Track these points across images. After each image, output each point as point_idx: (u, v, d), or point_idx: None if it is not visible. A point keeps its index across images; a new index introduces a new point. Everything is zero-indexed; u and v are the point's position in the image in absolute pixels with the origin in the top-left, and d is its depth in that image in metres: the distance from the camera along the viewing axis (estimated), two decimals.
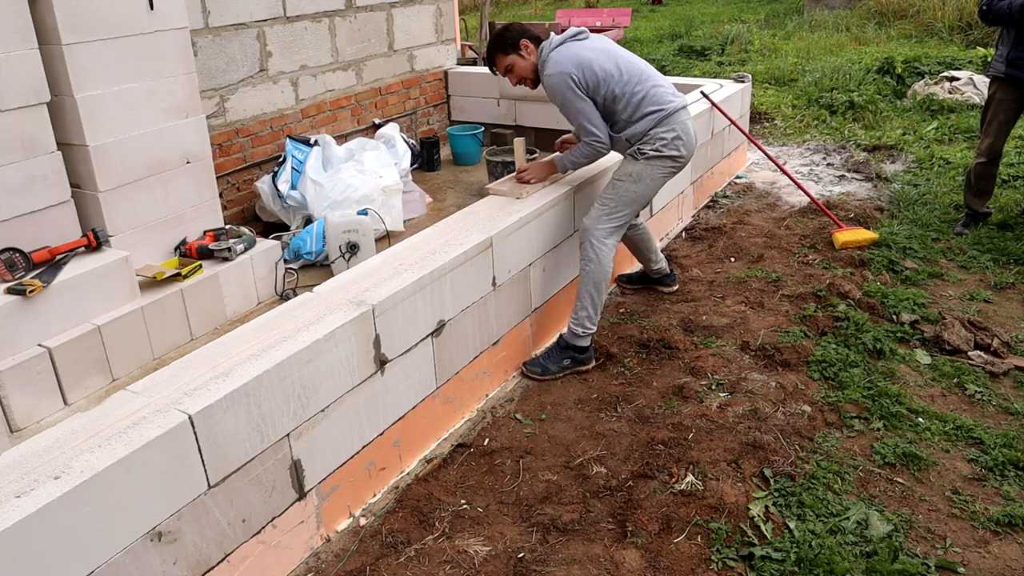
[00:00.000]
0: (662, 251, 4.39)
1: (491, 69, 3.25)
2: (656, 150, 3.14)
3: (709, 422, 2.84)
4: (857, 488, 2.51)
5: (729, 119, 5.10)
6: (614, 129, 3.18)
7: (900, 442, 2.71)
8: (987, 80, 4.40)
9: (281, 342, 2.17)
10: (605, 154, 3.20)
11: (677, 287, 3.92)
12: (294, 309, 2.38)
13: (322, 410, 2.26)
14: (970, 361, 3.19)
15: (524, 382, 3.20)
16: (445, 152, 6.44)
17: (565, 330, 3.23)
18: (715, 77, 7.48)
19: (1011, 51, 4.11)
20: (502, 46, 3.17)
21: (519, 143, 3.65)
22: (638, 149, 3.16)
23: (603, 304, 3.24)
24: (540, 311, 3.38)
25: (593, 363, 3.24)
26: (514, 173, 3.44)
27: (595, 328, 3.19)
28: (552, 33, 3.22)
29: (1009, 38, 4.12)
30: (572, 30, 3.17)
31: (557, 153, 3.56)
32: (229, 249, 3.79)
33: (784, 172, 4.97)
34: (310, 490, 2.28)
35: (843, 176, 5.67)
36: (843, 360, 3.19)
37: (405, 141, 5.45)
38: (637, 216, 3.52)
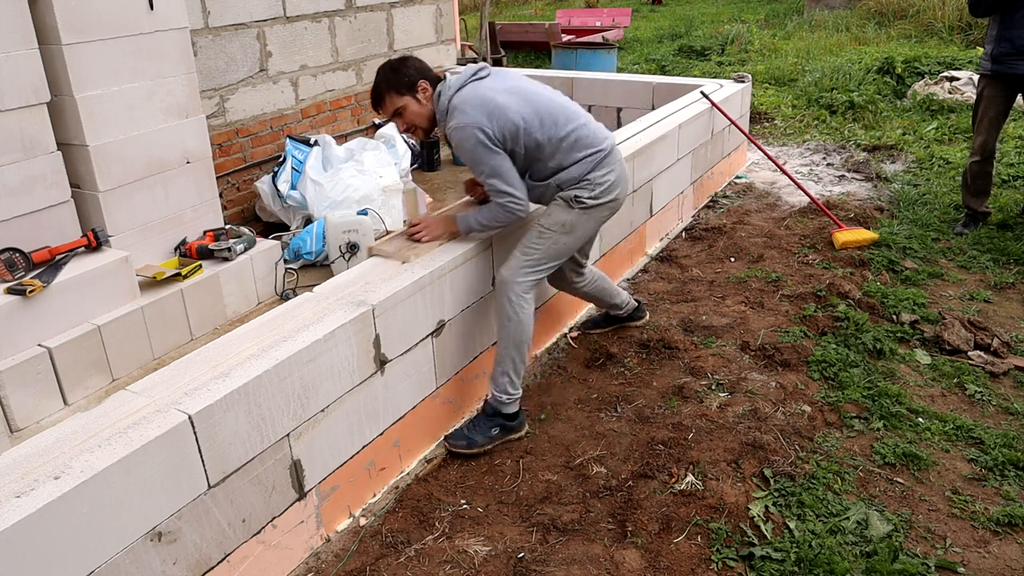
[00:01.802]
0: (662, 251, 4.40)
1: (376, 108, 2.73)
2: (595, 197, 2.76)
3: (709, 422, 2.84)
4: (857, 488, 2.51)
5: (729, 119, 5.10)
6: (537, 176, 2.77)
7: (900, 442, 2.71)
8: (979, 81, 4.42)
9: (281, 342, 2.17)
10: (523, 218, 2.73)
11: (648, 315, 3.60)
12: (294, 309, 2.38)
13: (322, 410, 2.26)
14: (970, 361, 3.19)
15: (525, 382, 3.19)
16: (445, 152, 6.43)
17: (489, 395, 2.82)
18: (715, 77, 7.48)
19: (995, 48, 4.14)
20: (396, 84, 2.66)
21: (409, 192, 3.28)
22: (575, 197, 2.74)
23: (526, 364, 2.82)
24: (540, 310, 3.38)
25: (526, 429, 2.86)
26: (404, 228, 2.92)
27: (520, 392, 2.79)
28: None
29: (994, 35, 4.14)
30: (471, 68, 2.72)
31: (470, 196, 3.08)
32: (229, 249, 3.79)
33: (784, 172, 4.97)
34: (310, 490, 2.28)
35: (843, 176, 5.67)
36: (843, 360, 3.19)
37: (405, 141, 5.45)
38: (582, 266, 3.19)
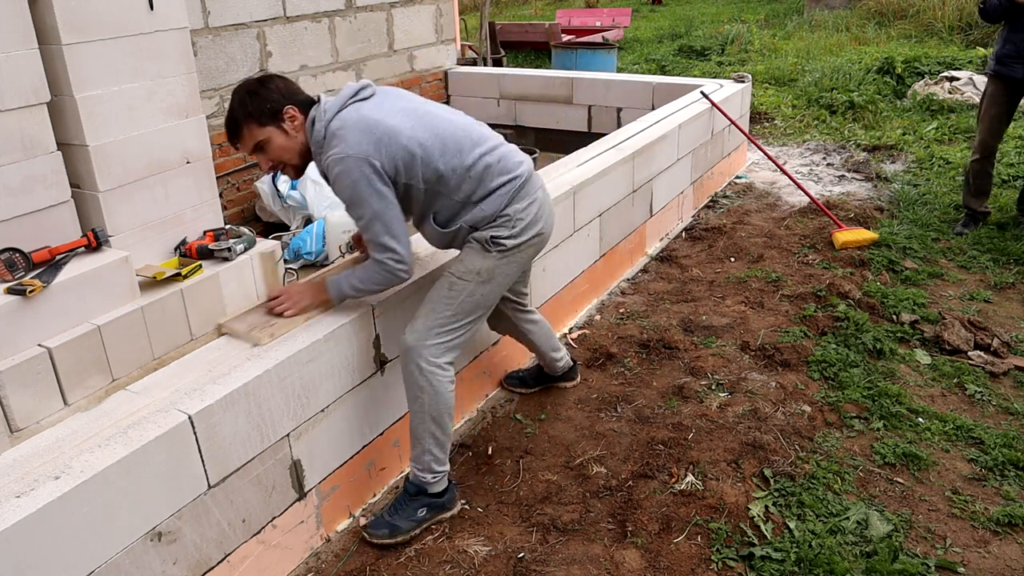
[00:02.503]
0: (662, 251, 4.40)
1: (232, 141, 2.25)
2: (516, 236, 2.28)
3: (709, 422, 2.84)
4: (857, 488, 2.51)
5: (729, 119, 5.10)
6: (445, 217, 2.29)
7: (900, 442, 2.70)
8: (986, 80, 4.43)
9: (281, 342, 2.17)
10: (406, 280, 2.26)
11: (579, 379, 3.16)
12: None
13: (322, 410, 2.26)
14: (970, 361, 3.19)
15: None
16: None
17: (410, 473, 2.41)
18: (715, 77, 7.48)
19: (1000, 48, 4.19)
20: (256, 112, 2.14)
21: (266, 256, 2.65)
22: (491, 238, 2.27)
23: (451, 437, 2.42)
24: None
25: (459, 505, 2.48)
26: (266, 300, 2.44)
27: (447, 467, 2.40)
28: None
29: (1002, 36, 4.18)
30: (351, 87, 2.20)
31: (359, 251, 2.58)
32: (229, 249, 3.79)
33: (784, 172, 4.97)
34: (310, 490, 2.28)
35: (843, 176, 5.67)
36: (843, 360, 3.19)
37: None
38: (524, 305, 2.78)
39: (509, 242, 2.29)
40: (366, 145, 2.07)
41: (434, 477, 2.36)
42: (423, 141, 2.15)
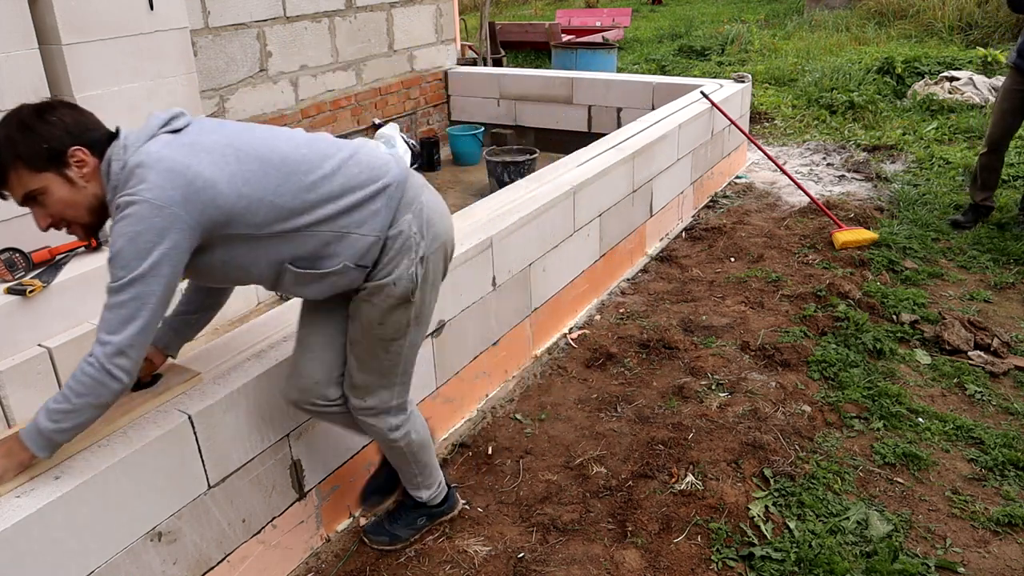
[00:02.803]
0: (662, 251, 4.40)
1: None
2: (419, 260, 1.85)
3: (709, 422, 2.84)
4: (857, 488, 2.51)
5: (729, 119, 5.10)
6: (306, 261, 1.76)
7: (900, 442, 2.71)
8: (987, 80, 4.43)
9: (281, 342, 2.17)
10: (120, 391, 1.60)
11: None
12: (294, 309, 2.38)
13: None
14: (970, 361, 3.19)
15: (525, 382, 3.20)
16: (445, 152, 6.44)
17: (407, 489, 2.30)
18: (715, 77, 7.48)
19: (1022, 40, 4.18)
20: (28, 155, 1.59)
21: None
22: (395, 282, 1.83)
23: (435, 450, 2.30)
24: (540, 311, 3.38)
25: (460, 505, 2.43)
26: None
27: (442, 484, 2.32)
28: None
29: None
30: (158, 116, 1.71)
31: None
32: None
33: (784, 172, 4.98)
34: (310, 490, 2.28)
35: (843, 176, 5.67)
36: (843, 360, 3.19)
37: (405, 141, 5.45)
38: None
39: (404, 279, 1.84)
40: (171, 191, 1.56)
41: (431, 493, 2.30)
42: (249, 178, 1.65)
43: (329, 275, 1.79)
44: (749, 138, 5.36)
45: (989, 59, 7.86)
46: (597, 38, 10.55)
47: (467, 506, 2.50)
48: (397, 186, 1.83)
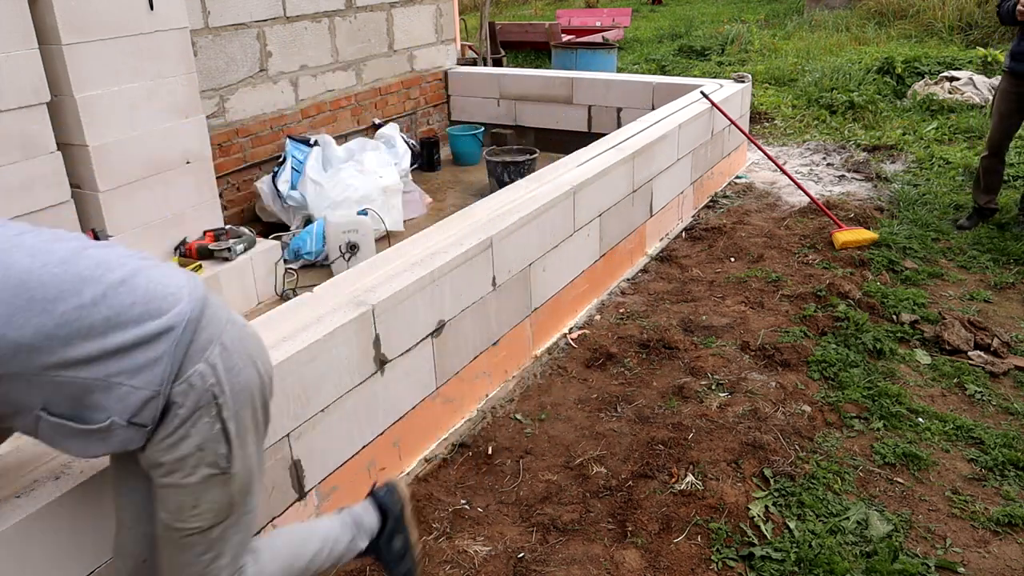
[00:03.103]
0: (662, 251, 4.40)
1: None
2: (216, 414, 1.41)
3: (709, 422, 2.84)
4: (857, 488, 2.51)
5: (729, 119, 5.10)
6: (60, 408, 1.34)
7: (900, 442, 2.71)
8: (987, 80, 4.45)
9: (281, 342, 2.17)
10: None
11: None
12: (294, 309, 2.38)
13: (322, 410, 2.26)
14: (970, 361, 3.19)
15: (525, 382, 3.20)
16: (445, 152, 6.43)
17: None
18: (715, 77, 7.48)
19: (1017, 46, 4.24)
20: None
21: None
22: (199, 448, 1.42)
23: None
24: (540, 311, 3.38)
25: (400, 487, 2.05)
26: None
27: (348, 531, 1.91)
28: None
29: (1019, 34, 4.24)
30: None
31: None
32: (229, 249, 3.80)
33: (784, 172, 4.98)
34: (310, 490, 2.28)
35: (843, 176, 5.67)
36: (843, 360, 3.19)
37: (405, 141, 5.45)
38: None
39: (228, 428, 1.44)
40: None
41: (359, 542, 1.92)
42: None
43: (94, 432, 1.36)
44: (749, 138, 5.36)
45: (989, 59, 7.86)
46: (597, 38, 10.56)
47: (467, 506, 2.50)
48: (186, 327, 1.38)
